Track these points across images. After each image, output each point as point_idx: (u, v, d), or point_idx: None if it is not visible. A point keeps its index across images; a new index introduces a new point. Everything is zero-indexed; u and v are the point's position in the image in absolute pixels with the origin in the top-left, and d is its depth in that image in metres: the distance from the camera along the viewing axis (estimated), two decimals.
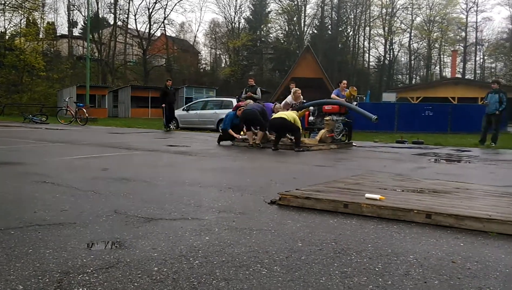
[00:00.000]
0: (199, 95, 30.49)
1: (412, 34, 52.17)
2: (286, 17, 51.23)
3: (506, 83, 37.62)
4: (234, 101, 14.90)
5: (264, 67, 51.74)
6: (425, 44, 53.11)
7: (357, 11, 51.12)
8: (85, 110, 18.34)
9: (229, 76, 46.42)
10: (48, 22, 39.82)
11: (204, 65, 54.32)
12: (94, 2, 39.96)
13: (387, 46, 52.18)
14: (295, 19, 50.91)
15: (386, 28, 50.83)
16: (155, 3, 42.19)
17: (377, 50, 54.45)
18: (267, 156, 7.83)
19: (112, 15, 42.34)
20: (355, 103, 11.02)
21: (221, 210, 3.40)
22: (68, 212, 3.21)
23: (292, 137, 9.26)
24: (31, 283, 1.91)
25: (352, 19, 51.64)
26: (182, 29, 52.73)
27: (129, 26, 43.76)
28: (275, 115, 9.26)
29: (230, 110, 11.52)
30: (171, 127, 15.90)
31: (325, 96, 16.14)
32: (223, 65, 54.78)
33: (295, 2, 50.40)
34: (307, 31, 52.66)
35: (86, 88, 23.73)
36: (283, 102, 10.99)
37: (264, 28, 52.22)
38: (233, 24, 50.47)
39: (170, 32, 48.40)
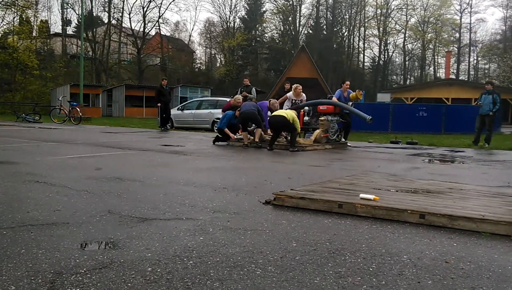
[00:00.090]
0: (194, 95, 30.45)
1: (406, 34, 52.53)
2: (281, 17, 51.32)
3: (499, 84, 37.89)
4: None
5: (259, 67, 51.80)
6: (420, 45, 53.49)
7: (352, 12, 51.36)
8: (78, 109, 18.23)
9: (224, 76, 46.39)
10: (41, 20, 39.67)
11: (199, 65, 54.33)
12: (88, 0, 39.84)
13: (382, 47, 52.51)
14: (290, 19, 51.00)
15: (381, 28, 51.09)
16: (150, 1, 42.16)
17: (372, 51, 54.80)
18: (262, 156, 7.82)
19: (106, 14, 42.27)
20: (350, 103, 11.01)
21: (215, 210, 3.39)
22: (61, 212, 3.18)
23: (288, 136, 9.25)
24: (24, 284, 1.89)
25: (347, 20, 51.88)
26: (177, 28, 52.74)
27: (123, 25, 43.69)
28: (275, 113, 9.22)
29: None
30: (168, 127, 15.85)
31: (320, 96, 16.18)
32: (218, 64, 54.78)
33: (290, 2, 50.52)
34: (302, 31, 52.86)
35: (80, 87, 23.60)
36: (283, 96, 10.97)
37: (259, 28, 52.28)
38: (228, 24, 50.51)
39: (165, 31, 48.56)
